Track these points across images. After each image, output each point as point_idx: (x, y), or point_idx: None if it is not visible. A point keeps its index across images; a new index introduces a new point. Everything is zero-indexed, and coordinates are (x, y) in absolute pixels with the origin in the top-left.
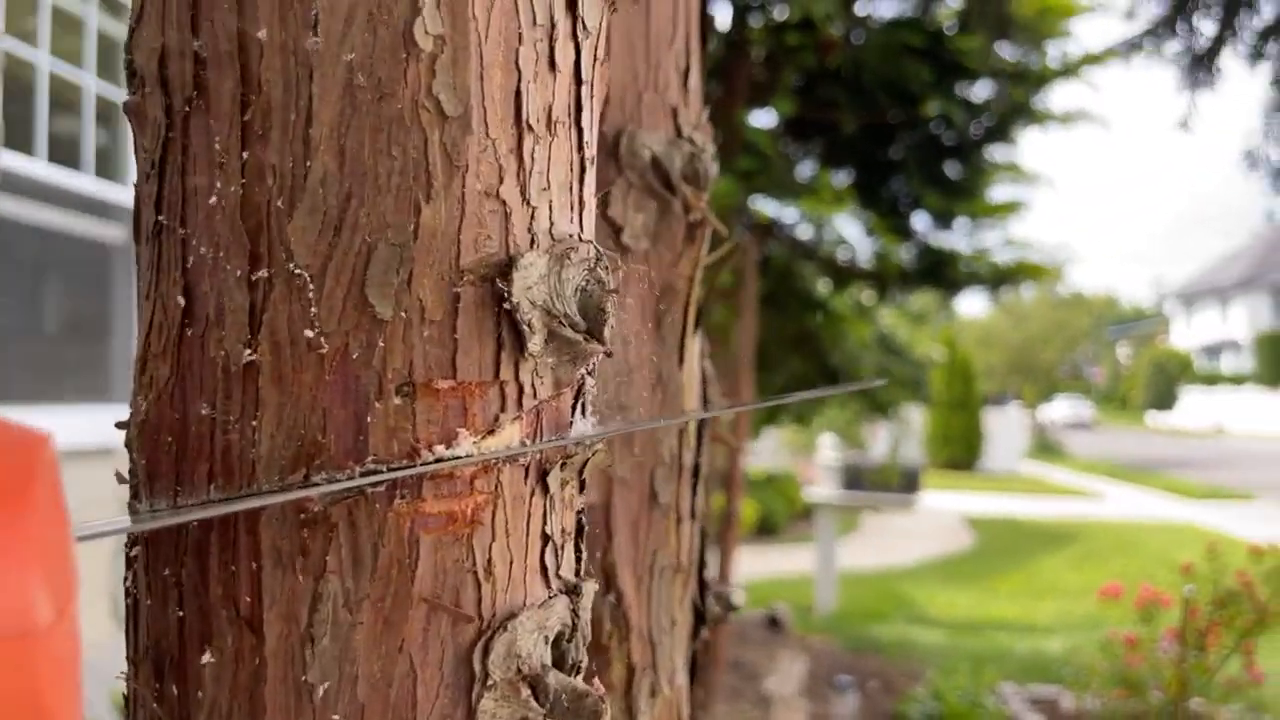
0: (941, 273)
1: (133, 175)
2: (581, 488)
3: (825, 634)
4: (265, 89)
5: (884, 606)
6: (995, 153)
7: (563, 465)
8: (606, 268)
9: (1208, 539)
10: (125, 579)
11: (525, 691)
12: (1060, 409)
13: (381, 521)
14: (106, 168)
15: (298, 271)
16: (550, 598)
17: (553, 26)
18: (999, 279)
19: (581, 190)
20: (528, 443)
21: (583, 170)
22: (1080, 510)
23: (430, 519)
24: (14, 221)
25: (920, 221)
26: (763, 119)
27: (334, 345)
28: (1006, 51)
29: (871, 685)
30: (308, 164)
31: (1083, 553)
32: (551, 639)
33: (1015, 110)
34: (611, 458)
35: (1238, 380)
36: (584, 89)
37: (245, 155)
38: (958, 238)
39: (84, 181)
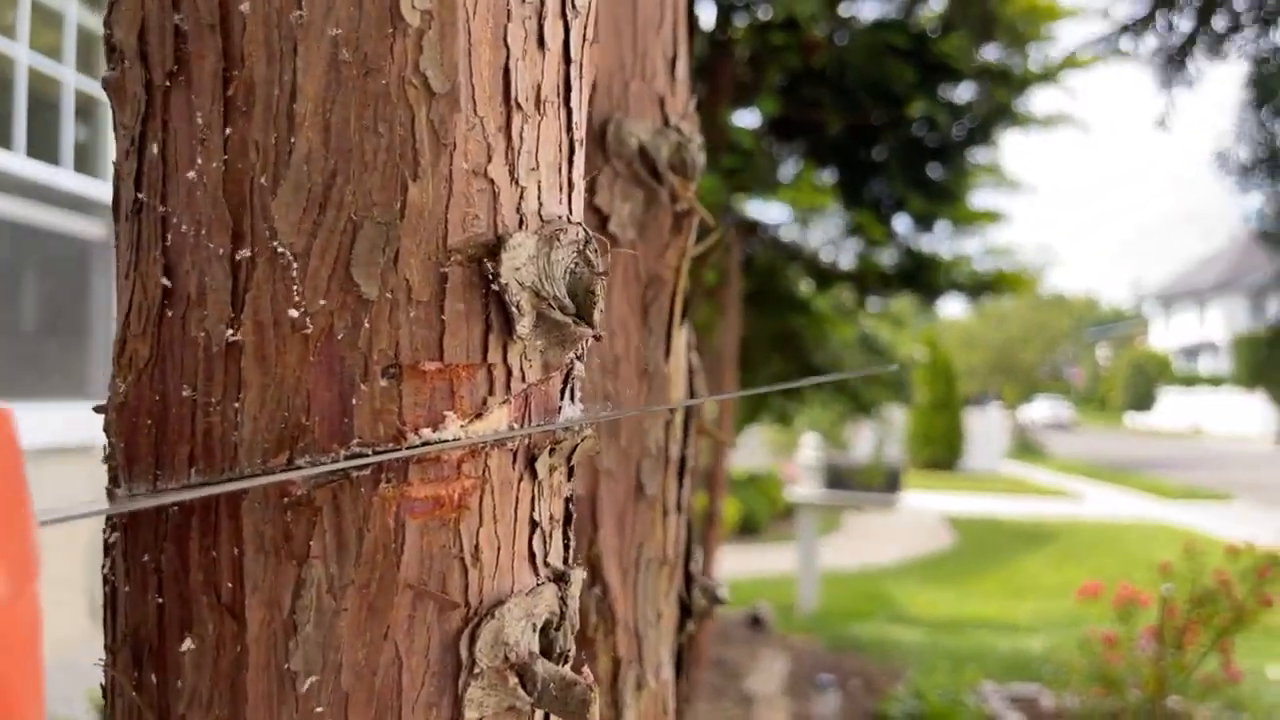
0: (922, 277)
1: (112, 171)
2: (569, 474)
3: (807, 633)
4: (248, 63)
5: (865, 606)
6: (977, 155)
7: (551, 451)
8: (596, 250)
9: (1185, 539)
10: (103, 566)
11: (513, 680)
12: (1040, 410)
13: (367, 506)
14: (86, 163)
15: (281, 250)
16: (538, 585)
17: (541, 4)
18: (978, 288)
19: (570, 172)
20: (516, 427)
21: (572, 151)
22: (1059, 510)
23: (416, 503)
24: None
25: (902, 224)
26: (747, 118)
27: (318, 325)
28: (989, 54)
29: (853, 684)
30: (292, 140)
31: (1062, 552)
32: (539, 627)
33: (997, 112)
34: (600, 444)
35: (1215, 382)
36: (573, 68)
37: (228, 131)
38: (939, 242)
39: (63, 177)
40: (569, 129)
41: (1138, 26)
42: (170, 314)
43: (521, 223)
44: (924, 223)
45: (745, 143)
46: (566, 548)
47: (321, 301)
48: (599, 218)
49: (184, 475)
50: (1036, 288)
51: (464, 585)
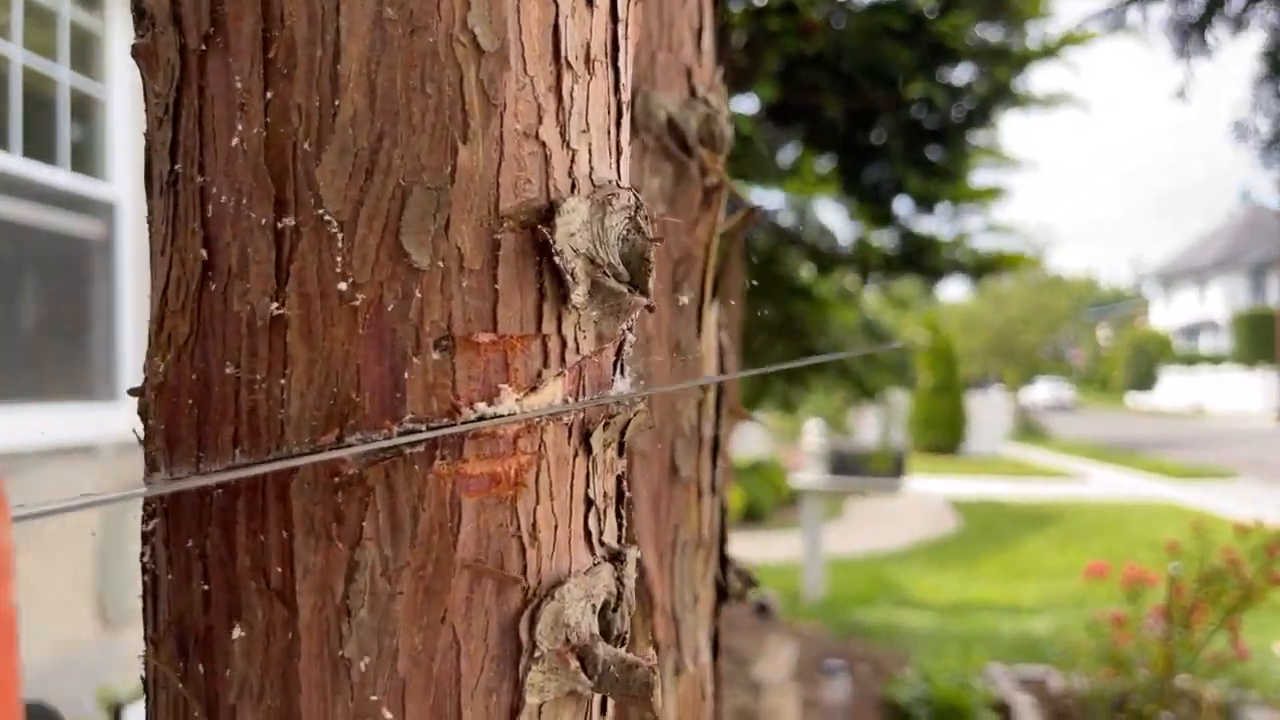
0: (923, 259)
1: (108, 170)
2: (621, 450)
3: (813, 619)
4: (289, 23)
5: (871, 591)
6: (977, 136)
7: (605, 426)
8: (647, 217)
9: (1190, 518)
10: (142, 555)
11: (574, 663)
12: (1041, 391)
13: (421, 484)
14: (82, 163)
15: (327, 218)
16: (595, 565)
17: None
18: (980, 268)
19: (619, 135)
20: (570, 401)
21: (619, 114)
22: (1063, 491)
23: (472, 481)
24: None
25: (902, 206)
26: (744, 104)
27: (367, 297)
28: (988, 33)
29: (861, 669)
30: (336, 103)
31: (1066, 533)
32: (598, 608)
33: (996, 93)
34: (653, 419)
35: (1216, 360)
36: (620, 27)
37: (269, 95)
38: (939, 223)
39: (60, 176)
40: (616, 90)
41: None
42: (211, 288)
43: (574, 187)
44: (924, 205)
45: (744, 129)
46: (620, 526)
47: (370, 271)
48: None
49: (228, 456)
50: (1038, 266)
51: (522, 565)
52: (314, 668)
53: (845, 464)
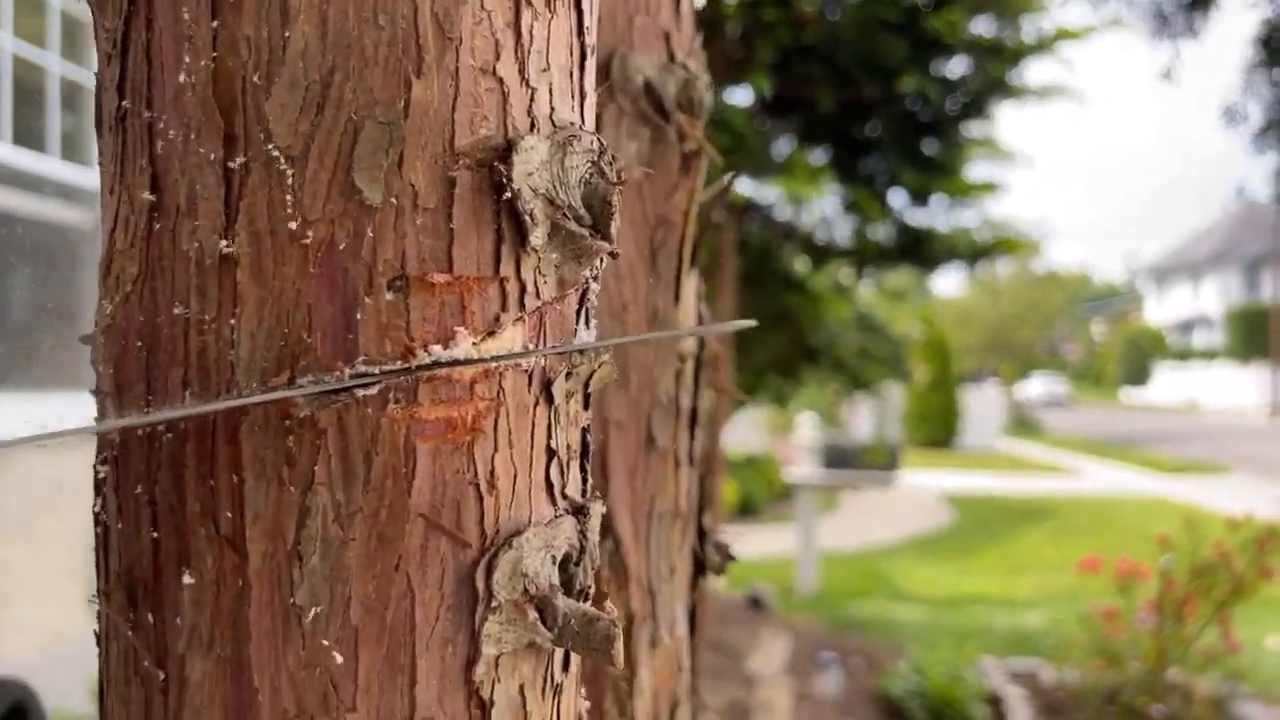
0: (919, 250)
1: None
2: (586, 403)
3: (807, 613)
4: None
5: (865, 585)
6: (972, 129)
7: (568, 375)
8: (610, 161)
9: (1183, 512)
10: (95, 505)
11: (532, 614)
12: (1036, 386)
13: (374, 428)
14: (72, 151)
15: (277, 154)
16: (556, 516)
17: None
18: (976, 254)
19: (582, 79)
20: (531, 347)
21: (583, 57)
22: (1057, 486)
23: (428, 425)
24: None
25: (897, 199)
26: (739, 96)
27: (319, 235)
28: (982, 27)
29: (854, 662)
30: (286, 34)
31: (1060, 527)
32: (559, 560)
33: (991, 86)
34: (615, 372)
35: (1210, 355)
36: None
37: (216, 25)
38: (935, 216)
39: (50, 165)
40: (580, 32)
41: None
42: (159, 227)
43: (533, 126)
44: (919, 198)
45: (738, 122)
46: (584, 480)
47: (321, 208)
48: None
49: (178, 399)
50: (1036, 254)
51: (479, 514)
52: (264, 616)
53: (839, 458)
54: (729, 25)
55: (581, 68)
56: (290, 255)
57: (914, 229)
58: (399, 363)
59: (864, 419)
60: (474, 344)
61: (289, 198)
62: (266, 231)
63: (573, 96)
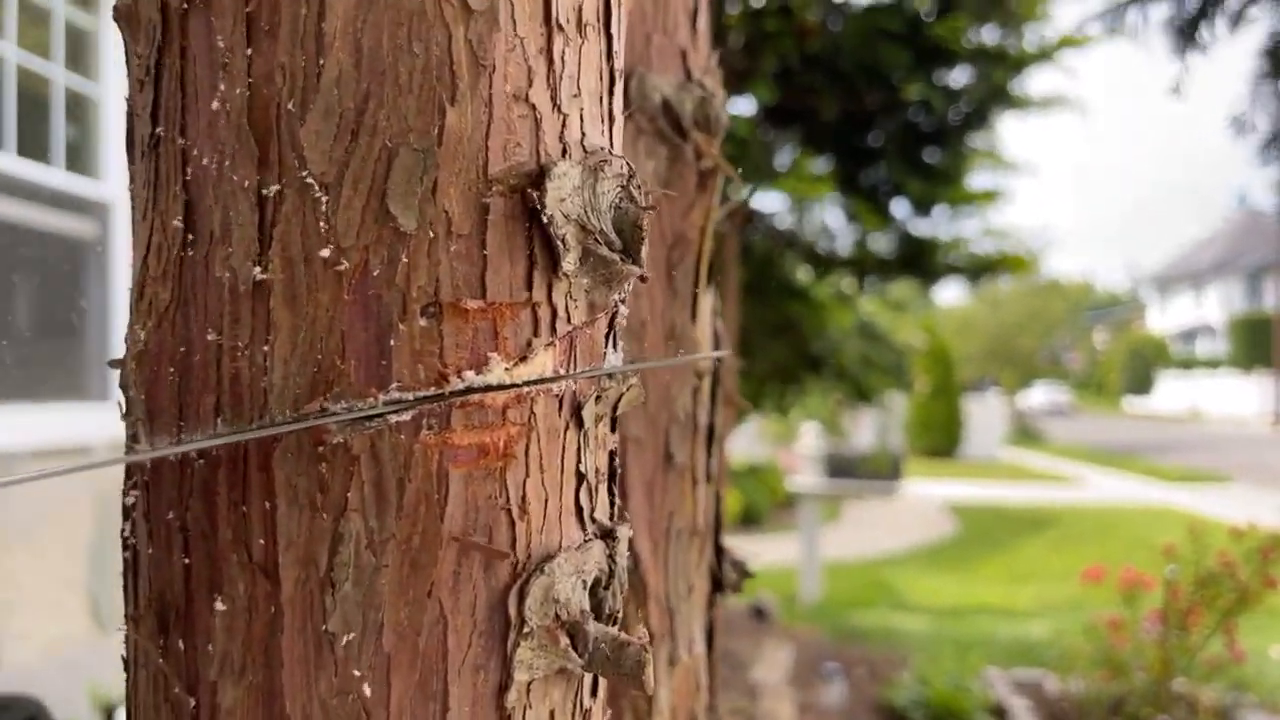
0: (921, 262)
1: (103, 169)
2: (613, 426)
3: (811, 623)
4: None
5: (868, 594)
6: (974, 139)
7: (598, 399)
8: (639, 186)
9: (1186, 521)
10: (123, 530)
11: (564, 640)
12: (1038, 395)
13: (407, 454)
14: (77, 162)
15: (311, 181)
16: (586, 541)
17: None
18: (978, 270)
19: (611, 103)
20: (562, 372)
21: (612, 82)
22: (1060, 495)
23: (460, 451)
24: None
25: (900, 209)
26: (741, 106)
27: (353, 261)
28: (985, 36)
29: (858, 672)
30: (321, 62)
31: (1063, 537)
32: (589, 585)
33: (993, 95)
34: (645, 394)
35: (1213, 364)
36: None
37: (251, 54)
38: (937, 225)
39: (54, 175)
40: (609, 57)
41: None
42: (193, 253)
43: (565, 152)
44: (922, 207)
45: (741, 131)
46: (612, 503)
47: (355, 235)
48: None
49: (210, 426)
50: (1037, 269)
51: (511, 539)
52: (297, 643)
53: (842, 467)
54: (732, 35)
55: (611, 92)
56: (324, 282)
57: (916, 239)
58: (432, 389)
59: (867, 428)
60: (506, 369)
61: (323, 224)
62: (300, 258)
63: (603, 121)
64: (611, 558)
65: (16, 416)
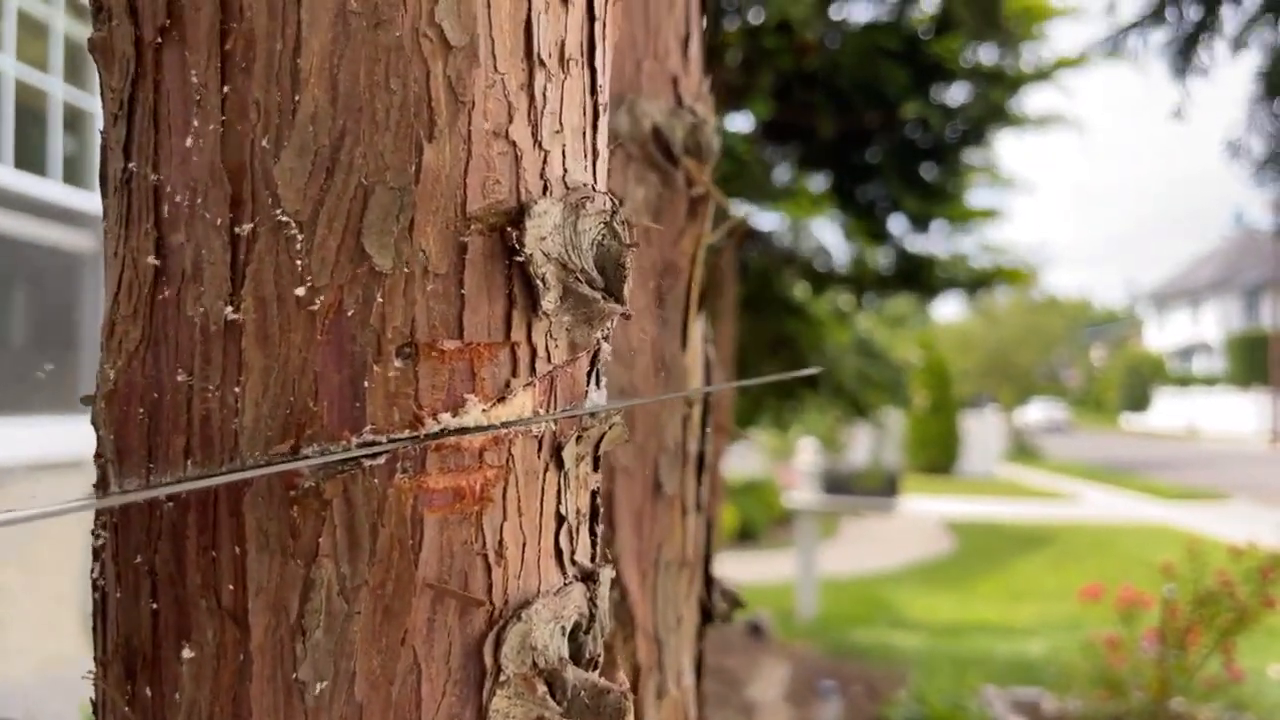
0: (918, 277)
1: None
2: (596, 465)
3: (807, 640)
4: (248, 15)
5: (865, 611)
6: (972, 156)
7: (578, 439)
8: (623, 222)
9: (1184, 539)
10: (92, 571)
11: (541, 688)
12: (1036, 412)
13: (381, 498)
14: (74, 176)
15: (285, 219)
16: (565, 585)
17: None
18: (976, 283)
19: (595, 138)
20: (541, 412)
21: (595, 116)
22: (1057, 513)
23: (435, 495)
24: None
25: (897, 225)
26: (739, 123)
27: (326, 301)
28: (982, 55)
29: (854, 690)
30: (296, 98)
31: (1060, 555)
32: (568, 630)
33: (991, 113)
34: (629, 433)
35: (1210, 382)
36: (597, 26)
37: (226, 90)
38: (934, 242)
39: (51, 189)
40: (593, 91)
41: (1146, 23)
42: (164, 292)
43: (545, 189)
44: (920, 224)
45: (738, 148)
46: (594, 544)
47: (330, 275)
48: None
49: (179, 468)
50: (1035, 283)
51: (487, 585)
52: (266, 691)
53: (839, 483)
54: (730, 52)
55: (595, 127)
56: (297, 322)
57: (914, 255)
58: (407, 431)
59: (864, 444)
60: (484, 410)
61: (297, 264)
62: (273, 298)
63: (585, 156)
64: (592, 601)
65: (11, 430)
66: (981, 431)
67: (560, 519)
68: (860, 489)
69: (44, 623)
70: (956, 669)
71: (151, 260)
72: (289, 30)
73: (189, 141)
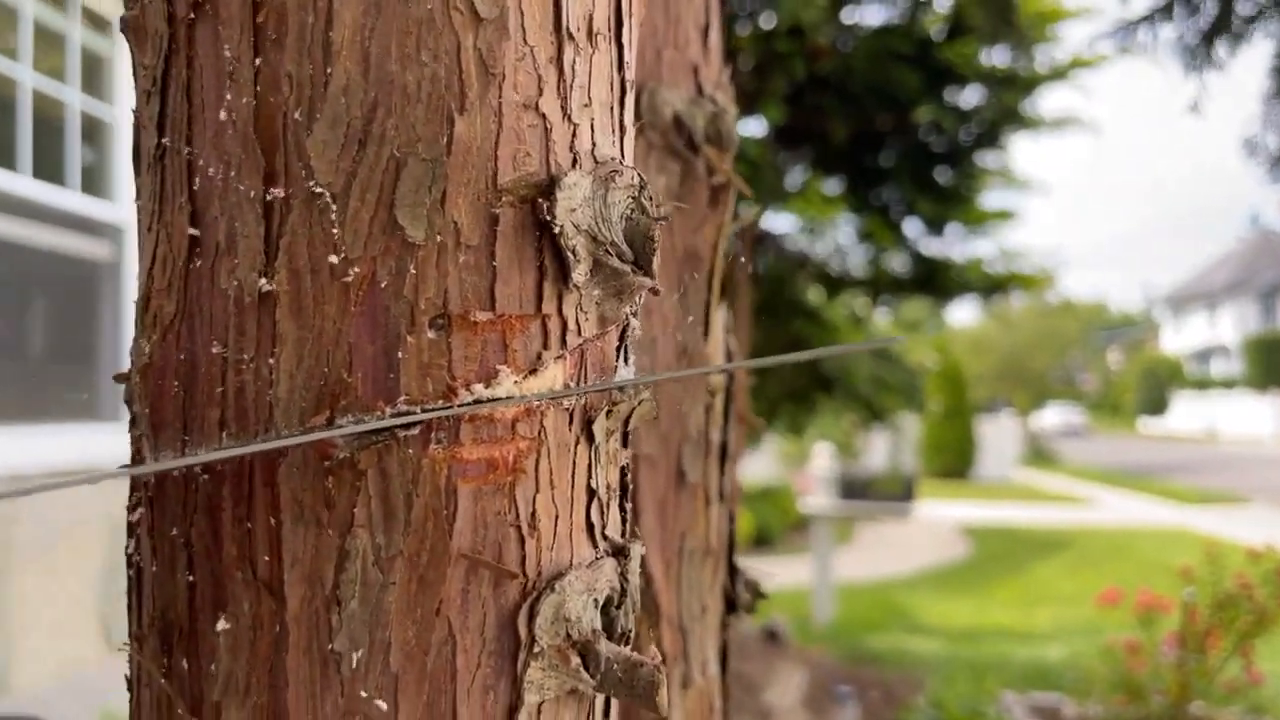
0: (934, 280)
1: (117, 192)
2: (625, 441)
3: (824, 645)
4: None
5: (882, 617)
6: (986, 159)
7: (609, 413)
8: (651, 197)
9: (1202, 543)
10: (128, 547)
11: (575, 660)
12: (1052, 416)
13: (415, 469)
14: (92, 184)
15: (319, 190)
16: (598, 558)
17: None
18: (991, 287)
19: (622, 114)
20: (572, 385)
21: (623, 92)
22: (1074, 517)
23: (469, 466)
24: None
25: (912, 228)
26: (752, 127)
27: (360, 273)
28: (996, 57)
29: (871, 696)
30: (328, 71)
31: (1078, 559)
32: (601, 604)
33: (1005, 115)
34: (658, 409)
35: (1228, 384)
36: (624, 2)
37: (258, 63)
38: (950, 246)
39: (69, 198)
40: (620, 67)
41: (1156, 17)
42: (198, 264)
43: (575, 162)
44: (934, 227)
45: (752, 152)
46: (624, 520)
47: (363, 246)
48: None
49: (215, 440)
50: (1052, 285)
51: (520, 556)
52: (302, 662)
53: (855, 488)
54: (742, 56)
55: (622, 103)
56: (331, 293)
57: (929, 259)
58: (441, 402)
59: (879, 449)
60: (516, 382)
61: (330, 235)
62: (307, 269)
63: (613, 131)
64: (623, 576)
65: (30, 438)
66: (997, 436)
67: (591, 493)
68: (876, 494)
69: (62, 628)
70: (974, 674)
71: (186, 233)
72: (320, 3)
73: (222, 115)
